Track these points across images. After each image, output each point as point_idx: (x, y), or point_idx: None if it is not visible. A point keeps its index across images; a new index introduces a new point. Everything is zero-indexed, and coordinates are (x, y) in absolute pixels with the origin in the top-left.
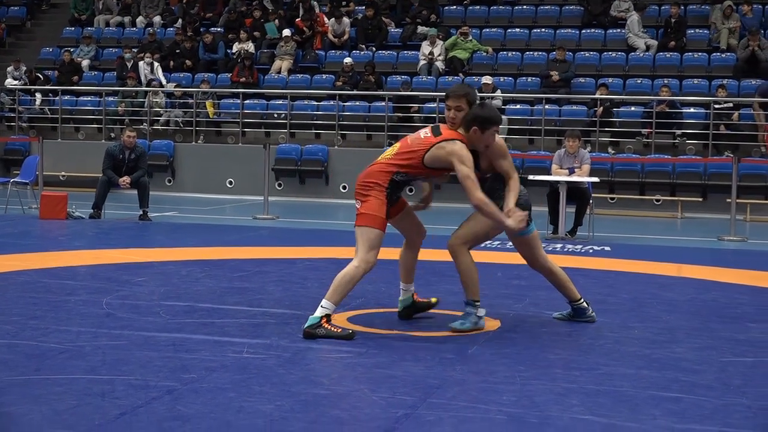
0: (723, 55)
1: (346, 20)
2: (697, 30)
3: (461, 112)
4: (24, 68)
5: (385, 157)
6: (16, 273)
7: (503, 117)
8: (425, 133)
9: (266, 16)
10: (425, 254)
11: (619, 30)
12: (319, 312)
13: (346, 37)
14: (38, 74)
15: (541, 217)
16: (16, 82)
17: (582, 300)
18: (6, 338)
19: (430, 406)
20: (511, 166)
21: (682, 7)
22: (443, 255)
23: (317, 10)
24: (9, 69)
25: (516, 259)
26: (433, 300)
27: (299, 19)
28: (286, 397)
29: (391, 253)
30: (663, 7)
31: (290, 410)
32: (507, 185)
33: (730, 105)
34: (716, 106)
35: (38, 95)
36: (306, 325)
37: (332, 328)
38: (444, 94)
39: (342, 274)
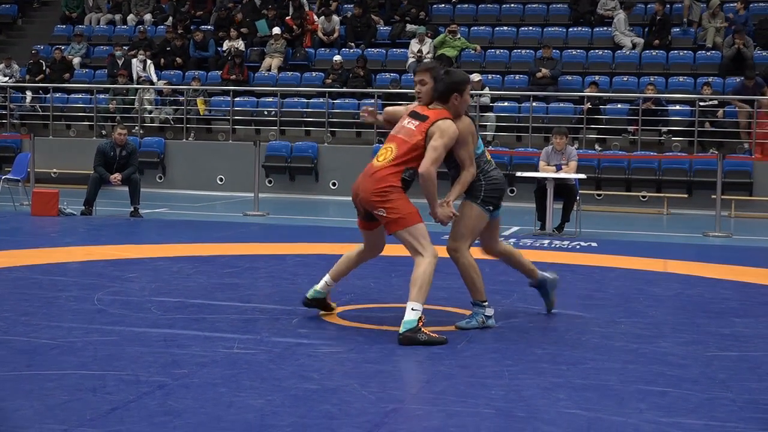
0: (708, 53)
1: (335, 18)
2: (682, 28)
3: (425, 86)
4: (15, 66)
5: (388, 160)
6: (8, 269)
7: (491, 114)
8: (411, 123)
9: (256, 14)
10: None
11: (605, 28)
12: (413, 315)
13: (335, 35)
14: (42, 60)
15: (529, 214)
16: (6, 79)
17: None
18: None
19: (419, 401)
20: (470, 157)
21: (668, 6)
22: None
23: (307, 9)
24: (0, 66)
25: None
26: (334, 306)
27: (289, 17)
28: (276, 391)
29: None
30: (649, 6)
31: (280, 405)
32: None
33: (715, 102)
34: (701, 103)
35: (29, 93)
36: (403, 330)
37: (431, 334)
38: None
39: (420, 272)
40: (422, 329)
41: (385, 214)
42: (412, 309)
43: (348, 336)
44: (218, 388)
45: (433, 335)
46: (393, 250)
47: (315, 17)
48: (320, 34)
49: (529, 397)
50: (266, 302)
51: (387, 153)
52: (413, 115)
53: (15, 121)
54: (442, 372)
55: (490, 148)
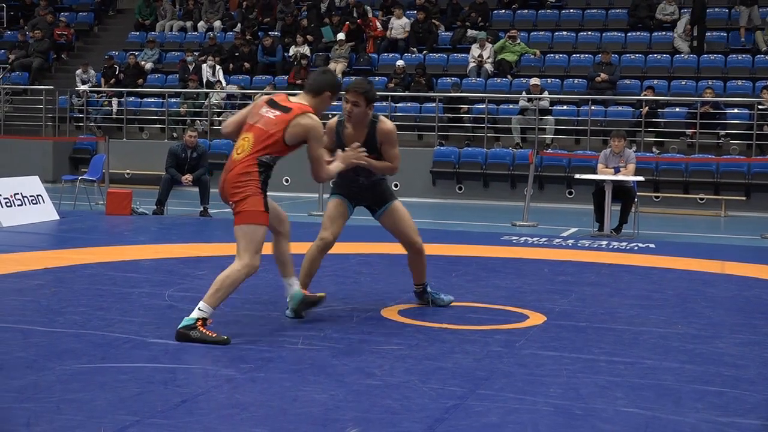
0: (767, 57)
1: (404, 20)
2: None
3: (358, 108)
4: (92, 71)
5: (246, 153)
6: (84, 266)
7: (550, 117)
8: (270, 112)
9: (321, 20)
10: (476, 251)
11: (664, 33)
12: (195, 314)
13: (405, 35)
14: (116, 65)
15: (587, 215)
16: (81, 84)
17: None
18: (74, 328)
19: (478, 397)
20: (397, 156)
21: (726, 10)
22: (494, 251)
23: (370, 15)
24: (78, 72)
25: (562, 255)
26: (321, 294)
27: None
28: (339, 387)
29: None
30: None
31: (343, 399)
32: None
33: None
34: (760, 107)
35: (115, 99)
36: (180, 326)
37: (207, 332)
38: (490, 95)
39: (225, 276)
40: (198, 327)
41: (234, 208)
42: (199, 308)
43: (408, 333)
44: (283, 383)
45: (210, 333)
46: (452, 249)
47: (378, 24)
48: (390, 34)
49: (586, 395)
50: (329, 300)
51: (245, 144)
52: (272, 104)
53: (91, 124)
54: (500, 370)
55: (549, 150)
